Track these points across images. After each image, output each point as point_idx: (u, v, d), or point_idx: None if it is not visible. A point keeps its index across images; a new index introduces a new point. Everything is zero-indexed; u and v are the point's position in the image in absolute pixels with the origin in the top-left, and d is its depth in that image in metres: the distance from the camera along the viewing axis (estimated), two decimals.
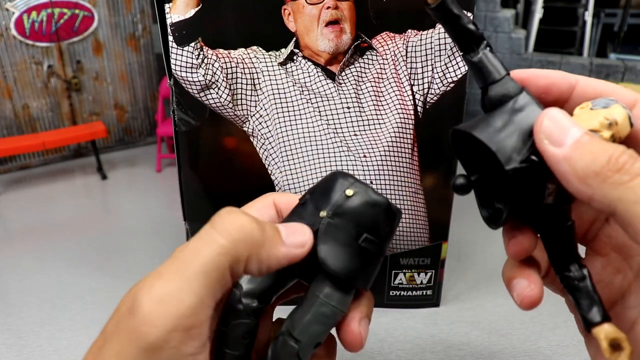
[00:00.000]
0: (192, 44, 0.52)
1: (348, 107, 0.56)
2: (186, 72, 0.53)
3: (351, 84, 0.55)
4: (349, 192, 0.24)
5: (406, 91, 0.56)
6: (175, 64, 0.52)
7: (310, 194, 0.26)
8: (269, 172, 0.58)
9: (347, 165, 0.57)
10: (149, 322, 0.19)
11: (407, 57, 0.54)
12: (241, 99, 0.55)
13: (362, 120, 0.56)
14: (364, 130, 0.56)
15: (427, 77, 0.55)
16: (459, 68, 0.54)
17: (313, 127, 0.56)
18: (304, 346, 0.24)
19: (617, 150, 0.19)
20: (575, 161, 0.20)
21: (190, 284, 0.20)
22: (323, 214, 0.24)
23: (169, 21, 0.51)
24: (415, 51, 0.54)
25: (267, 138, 0.57)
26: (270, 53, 0.54)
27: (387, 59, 0.54)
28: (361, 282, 0.25)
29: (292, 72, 0.55)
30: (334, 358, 0.28)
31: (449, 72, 0.54)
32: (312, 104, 0.56)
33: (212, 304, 0.21)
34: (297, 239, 0.23)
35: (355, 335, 0.25)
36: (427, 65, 0.54)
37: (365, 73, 0.55)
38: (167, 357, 0.19)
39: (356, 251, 0.24)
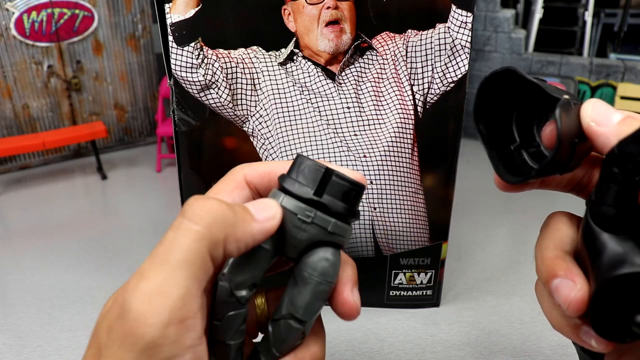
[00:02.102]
0: (192, 44, 0.52)
1: (348, 107, 0.56)
2: (186, 72, 0.53)
3: (351, 84, 0.55)
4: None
5: (406, 91, 0.56)
6: (175, 64, 0.52)
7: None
8: None
9: (347, 165, 0.57)
10: (142, 323, 0.19)
11: (407, 57, 0.54)
12: (241, 99, 0.55)
13: (362, 120, 0.56)
14: (364, 130, 0.56)
15: (427, 77, 0.55)
16: (459, 68, 0.54)
17: (313, 127, 0.56)
18: (308, 325, 0.25)
19: None
20: (626, 130, 0.22)
21: (175, 276, 0.20)
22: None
23: (169, 21, 0.51)
24: (415, 51, 0.54)
25: (267, 138, 0.57)
26: (270, 53, 0.54)
27: (387, 59, 0.54)
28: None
29: (292, 72, 0.55)
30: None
31: (449, 72, 0.54)
32: (312, 104, 0.56)
33: (200, 292, 0.21)
34: (266, 213, 0.24)
35: (351, 304, 0.26)
36: (427, 65, 0.54)
37: (365, 73, 0.55)
38: (167, 353, 0.19)
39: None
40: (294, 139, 0.57)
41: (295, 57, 0.54)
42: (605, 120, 0.23)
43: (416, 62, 0.54)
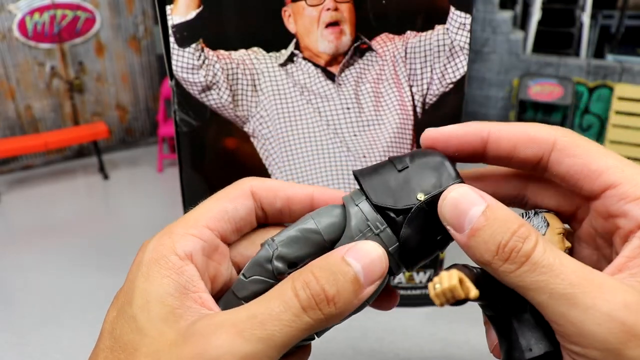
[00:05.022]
0: (194, 45, 0.52)
1: (348, 108, 0.56)
2: (187, 73, 0.53)
3: (351, 85, 0.56)
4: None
5: (405, 92, 0.56)
6: (177, 65, 0.53)
7: (410, 160, 0.24)
8: (270, 172, 0.59)
9: (347, 165, 0.58)
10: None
11: (406, 59, 0.55)
12: (242, 99, 0.56)
13: (362, 120, 0.57)
14: (364, 130, 0.57)
15: (426, 78, 0.55)
16: (458, 69, 0.54)
17: (313, 127, 0.57)
18: (275, 251, 0.24)
19: (506, 234, 0.19)
20: (473, 251, 0.20)
21: (270, 353, 0.20)
22: (421, 197, 0.23)
23: (170, 22, 0.51)
24: (414, 52, 0.54)
25: (268, 138, 0.58)
26: (270, 54, 0.55)
27: (386, 60, 0.55)
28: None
29: (292, 73, 0.56)
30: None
31: (448, 74, 0.55)
32: (312, 104, 0.56)
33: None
34: (375, 275, 0.22)
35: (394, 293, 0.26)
36: (426, 67, 0.55)
37: (364, 74, 0.56)
38: None
39: (430, 245, 0.24)
40: (294, 140, 0.57)
41: (295, 58, 0.55)
42: (459, 226, 0.20)
43: (415, 63, 0.55)
